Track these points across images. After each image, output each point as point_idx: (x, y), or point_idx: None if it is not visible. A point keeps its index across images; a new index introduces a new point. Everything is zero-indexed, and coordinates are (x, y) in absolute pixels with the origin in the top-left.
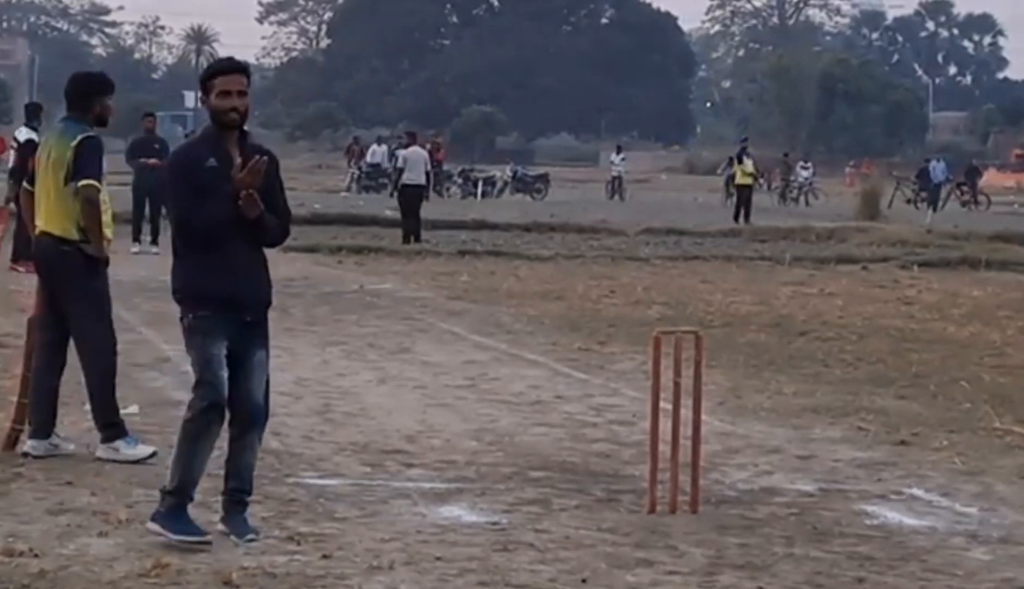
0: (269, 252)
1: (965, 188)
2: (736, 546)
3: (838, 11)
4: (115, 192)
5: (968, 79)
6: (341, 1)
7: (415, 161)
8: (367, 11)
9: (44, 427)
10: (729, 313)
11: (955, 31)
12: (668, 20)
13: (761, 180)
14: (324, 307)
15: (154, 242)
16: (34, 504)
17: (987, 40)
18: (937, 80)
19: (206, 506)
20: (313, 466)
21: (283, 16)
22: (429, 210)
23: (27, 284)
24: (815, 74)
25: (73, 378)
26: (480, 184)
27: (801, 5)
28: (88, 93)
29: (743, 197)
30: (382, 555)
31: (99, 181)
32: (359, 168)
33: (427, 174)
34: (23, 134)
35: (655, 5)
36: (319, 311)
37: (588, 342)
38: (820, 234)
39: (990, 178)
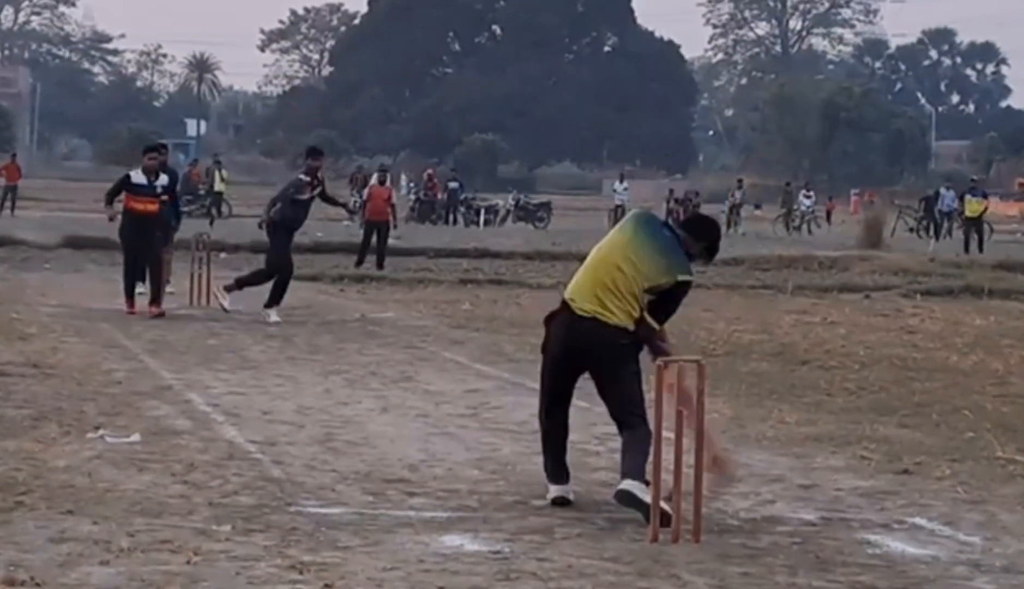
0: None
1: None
2: (739, 575)
3: (841, 40)
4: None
5: (971, 108)
6: (343, 29)
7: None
8: (369, 39)
9: None
10: (731, 342)
11: (958, 60)
12: (671, 49)
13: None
14: (326, 336)
15: None
16: (35, 533)
17: (990, 69)
18: (940, 109)
19: (207, 528)
20: (315, 495)
21: (285, 44)
22: (431, 238)
23: (25, 313)
24: (817, 102)
25: (75, 407)
26: (482, 212)
27: (804, 34)
28: None
29: None
30: (384, 584)
31: None
32: (363, 197)
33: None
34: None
35: (658, 34)
36: (321, 340)
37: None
38: (822, 263)
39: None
